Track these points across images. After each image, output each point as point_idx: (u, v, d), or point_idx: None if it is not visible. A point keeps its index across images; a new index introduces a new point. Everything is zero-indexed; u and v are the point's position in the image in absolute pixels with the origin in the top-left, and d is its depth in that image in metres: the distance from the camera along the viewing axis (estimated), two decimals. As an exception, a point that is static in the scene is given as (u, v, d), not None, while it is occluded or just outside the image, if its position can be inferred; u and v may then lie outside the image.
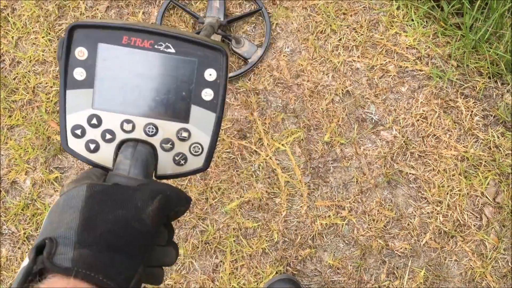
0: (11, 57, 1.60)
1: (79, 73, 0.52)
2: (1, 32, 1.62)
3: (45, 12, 1.61)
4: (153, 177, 0.54)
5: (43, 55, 1.59)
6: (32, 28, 1.61)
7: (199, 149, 0.54)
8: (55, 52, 1.58)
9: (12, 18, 1.62)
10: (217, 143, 0.53)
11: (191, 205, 1.42)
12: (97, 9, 1.60)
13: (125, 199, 0.45)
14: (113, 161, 0.53)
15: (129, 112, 0.52)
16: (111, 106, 0.52)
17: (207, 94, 0.53)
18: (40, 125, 1.55)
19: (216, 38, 1.49)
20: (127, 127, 0.53)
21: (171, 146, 0.54)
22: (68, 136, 0.53)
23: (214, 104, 0.53)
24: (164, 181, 0.54)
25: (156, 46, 0.51)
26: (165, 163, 0.54)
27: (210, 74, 0.53)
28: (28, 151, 1.54)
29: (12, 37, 1.61)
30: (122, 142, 0.53)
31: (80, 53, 0.51)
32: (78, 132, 0.53)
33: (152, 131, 0.53)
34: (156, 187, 0.47)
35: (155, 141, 0.53)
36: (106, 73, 0.52)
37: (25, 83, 1.58)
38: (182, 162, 0.55)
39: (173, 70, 0.52)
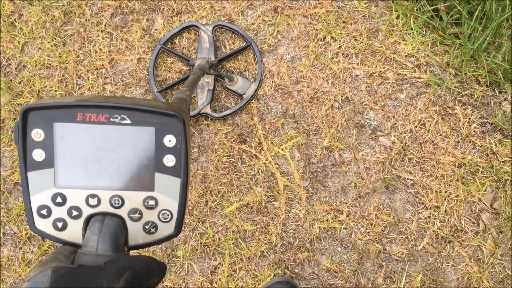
0: (17, 61, 1.69)
1: (38, 154, 0.53)
2: (2, 36, 1.71)
3: (51, 18, 1.71)
4: (125, 249, 0.55)
5: (48, 59, 1.68)
6: (38, 33, 1.70)
7: (168, 215, 0.56)
8: (60, 57, 1.67)
9: (19, 23, 1.72)
10: (186, 206, 0.56)
11: (187, 212, 1.49)
12: (102, 15, 1.69)
13: (90, 280, 0.45)
14: (82, 237, 0.54)
15: (93, 186, 0.54)
16: (74, 182, 0.54)
17: (169, 160, 0.55)
18: (44, 127, 1.63)
19: (209, 78, 1.56)
20: (93, 201, 0.54)
21: (139, 215, 0.55)
22: (35, 217, 0.54)
23: (178, 169, 0.55)
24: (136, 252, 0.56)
25: (111, 119, 0.53)
26: (136, 233, 0.56)
27: (170, 140, 0.54)
28: (31, 153, 1.62)
29: (19, 42, 1.70)
30: (90, 217, 0.54)
31: (37, 134, 0.53)
32: (44, 212, 0.54)
33: (118, 203, 0.54)
34: (123, 264, 0.47)
35: (123, 212, 0.55)
36: (65, 151, 0.53)
37: (30, 87, 1.67)
38: (153, 230, 0.56)
39: (132, 140, 0.54)
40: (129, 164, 0.54)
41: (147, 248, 1.47)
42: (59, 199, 0.54)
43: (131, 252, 0.57)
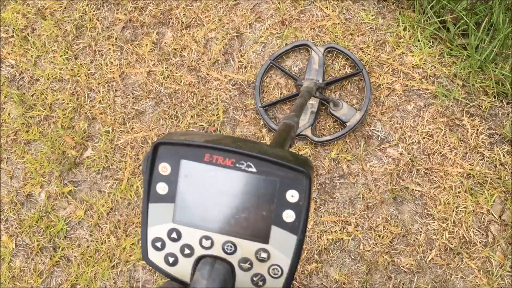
0: (30, 74, 1.74)
1: (161, 188, 0.55)
2: (15, 50, 1.76)
3: (63, 32, 1.76)
4: None
5: (60, 73, 1.72)
6: (51, 47, 1.75)
7: (278, 271, 0.54)
8: (72, 70, 1.71)
9: (32, 37, 1.77)
10: (297, 266, 0.55)
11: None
12: (113, 29, 1.74)
13: None
14: (190, 276, 0.55)
15: (208, 228, 0.54)
16: (191, 221, 0.54)
17: (289, 216, 0.53)
18: (56, 140, 1.67)
19: (314, 101, 1.55)
20: (206, 243, 0.54)
21: (249, 266, 0.54)
22: (149, 248, 0.56)
23: (296, 226, 0.53)
24: None
25: (237, 165, 0.53)
26: (243, 283, 0.55)
27: (292, 196, 0.53)
28: (43, 165, 1.67)
29: (32, 55, 1.75)
30: (200, 258, 0.54)
31: (164, 168, 0.55)
32: (158, 244, 0.56)
33: (230, 249, 0.54)
34: None
35: (234, 259, 0.54)
36: (187, 189, 0.54)
37: (43, 100, 1.71)
38: (261, 283, 0.55)
39: (254, 189, 0.53)
40: (247, 212, 0.54)
41: None
42: (174, 235, 0.55)
43: None
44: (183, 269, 0.55)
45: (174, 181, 0.54)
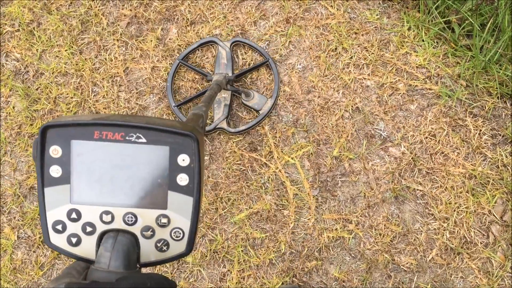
0: (35, 68, 1.78)
1: (55, 171, 0.56)
2: (21, 44, 1.80)
3: (69, 27, 1.79)
4: (137, 266, 0.57)
5: (65, 67, 1.75)
6: (56, 41, 1.78)
7: (180, 233, 0.57)
8: (76, 64, 1.75)
9: (37, 32, 1.80)
10: (198, 226, 0.58)
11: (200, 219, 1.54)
12: (118, 25, 1.77)
13: None
14: (95, 253, 0.56)
15: (107, 203, 0.56)
16: (88, 199, 0.56)
17: (182, 179, 0.56)
18: (59, 133, 1.70)
19: (225, 93, 1.62)
20: (106, 218, 0.56)
21: (152, 233, 0.57)
22: (50, 232, 0.57)
23: (191, 188, 0.56)
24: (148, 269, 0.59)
25: (127, 138, 0.55)
26: (148, 250, 0.58)
27: (183, 160, 0.56)
28: (47, 158, 1.70)
29: (37, 49, 1.79)
30: (103, 233, 0.56)
31: (55, 151, 0.56)
32: (59, 227, 0.57)
33: (131, 220, 0.56)
34: (134, 281, 0.49)
35: (136, 229, 0.57)
36: (81, 168, 0.56)
37: (47, 94, 1.74)
38: (165, 248, 0.58)
39: (146, 159, 0.56)
40: (143, 182, 0.56)
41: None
42: (74, 215, 0.56)
43: (143, 270, 0.59)
44: (87, 248, 0.57)
45: (66, 162, 0.56)
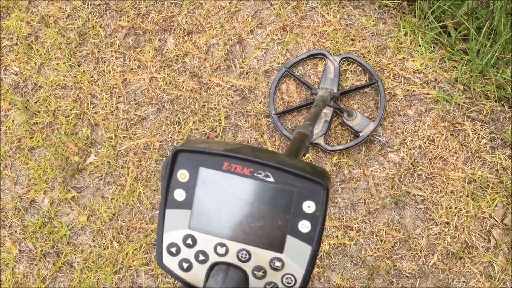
0: (33, 81, 1.79)
1: (179, 194, 0.56)
2: (19, 57, 1.82)
3: (66, 39, 1.81)
4: None
5: (64, 80, 1.77)
6: (54, 54, 1.80)
7: (291, 280, 0.55)
8: (75, 77, 1.76)
9: (35, 45, 1.82)
10: (311, 276, 0.57)
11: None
12: (116, 36, 1.78)
13: None
14: (204, 282, 0.56)
15: (223, 235, 0.55)
16: (206, 228, 0.56)
17: (304, 226, 0.54)
18: (59, 146, 1.72)
19: (328, 110, 1.57)
20: (221, 250, 0.55)
21: (263, 274, 0.55)
22: (164, 253, 0.57)
23: (311, 236, 0.54)
24: None
25: (255, 174, 0.54)
26: None
27: (309, 206, 0.54)
28: (47, 171, 1.71)
29: (35, 63, 1.80)
30: (214, 265, 0.56)
31: (182, 175, 0.56)
32: (173, 250, 0.57)
33: (245, 257, 0.55)
34: None
35: (247, 267, 0.55)
36: (204, 196, 0.56)
37: (46, 106, 1.76)
38: None
39: (270, 199, 0.54)
40: (263, 221, 0.55)
41: None
42: (189, 241, 0.56)
43: None
44: (196, 275, 0.57)
45: (191, 188, 0.56)
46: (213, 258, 0.56)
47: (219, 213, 0.55)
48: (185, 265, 0.57)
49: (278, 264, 0.55)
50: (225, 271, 0.54)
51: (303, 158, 0.86)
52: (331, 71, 1.61)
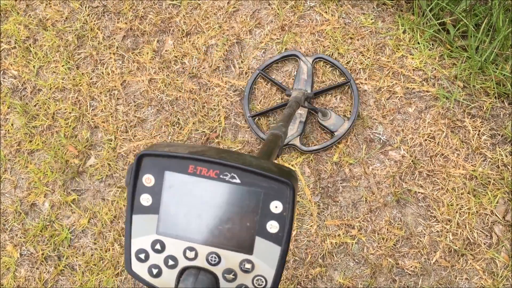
0: (32, 85, 1.79)
1: (145, 199, 0.56)
2: (17, 61, 1.82)
3: (65, 42, 1.81)
4: None
5: (62, 82, 1.77)
6: (53, 57, 1.80)
7: (262, 282, 0.56)
8: (74, 79, 1.77)
9: (34, 48, 1.82)
10: (281, 276, 0.57)
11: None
12: (114, 38, 1.79)
13: None
14: (174, 287, 0.57)
15: (192, 239, 0.55)
16: (174, 232, 0.56)
17: (272, 227, 0.55)
18: (59, 149, 1.72)
19: (302, 111, 1.59)
20: (190, 254, 0.56)
21: (233, 277, 0.56)
22: (132, 259, 0.57)
23: (280, 236, 0.55)
24: None
25: (221, 176, 0.54)
26: None
27: (276, 207, 0.54)
28: (47, 174, 1.71)
29: (34, 66, 1.81)
30: (184, 269, 0.56)
31: (148, 180, 0.56)
32: (142, 256, 0.57)
33: (214, 260, 0.55)
34: None
35: (218, 270, 0.56)
36: (171, 200, 0.56)
37: (45, 110, 1.76)
38: None
39: (237, 200, 0.55)
40: (231, 223, 0.55)
41: None
42: (158, 246, 0.56)
43: None
44: (167, 281, 0.57)
45: (158, 193, 0.56)
46: (182, 263, 0.56)
47: (187, 216, 0.55)
48: (154, 271, 0.57)
49: (248, 266, 0.55)
50: (195, 275, 0.55)
51: (277, 158, 0.85)
52: (304, 72, 1.63)
